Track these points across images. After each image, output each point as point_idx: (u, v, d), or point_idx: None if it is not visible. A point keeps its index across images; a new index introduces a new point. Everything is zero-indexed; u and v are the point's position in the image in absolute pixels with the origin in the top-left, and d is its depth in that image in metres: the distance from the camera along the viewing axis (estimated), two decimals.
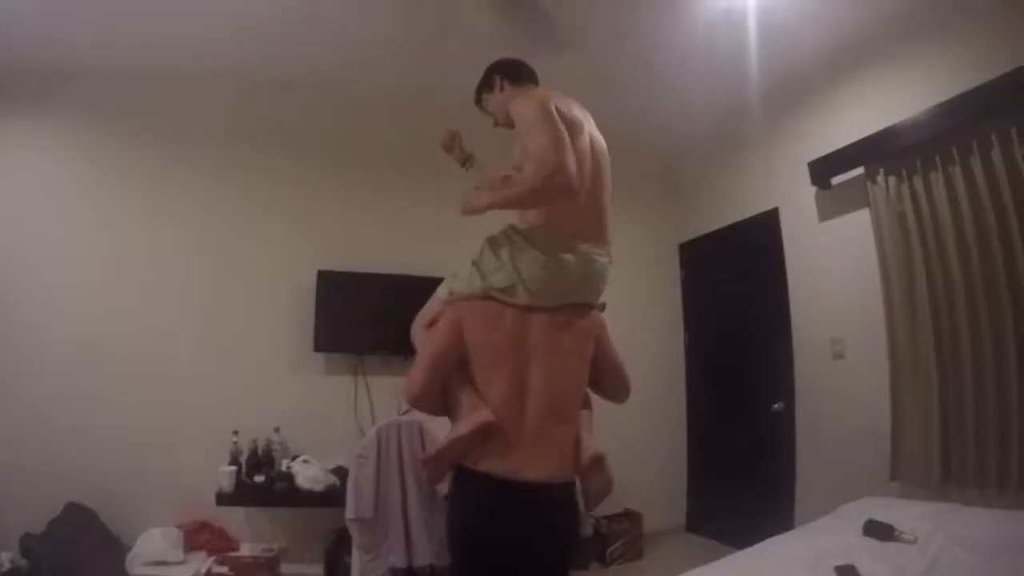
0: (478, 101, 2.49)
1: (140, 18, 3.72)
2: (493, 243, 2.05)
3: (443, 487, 3.22)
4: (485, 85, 2.43)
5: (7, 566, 3.43)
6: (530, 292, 1.95)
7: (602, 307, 2.24)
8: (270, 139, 4.59)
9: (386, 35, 3.95)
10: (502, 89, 2.35)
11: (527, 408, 1.90)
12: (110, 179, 4.21)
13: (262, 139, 4.57)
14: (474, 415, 1.83)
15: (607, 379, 2.18)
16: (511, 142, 2.16)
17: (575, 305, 2.06)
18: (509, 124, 2.20)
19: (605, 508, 4.77)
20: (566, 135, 1.87)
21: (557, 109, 1.94)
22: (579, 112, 2.10)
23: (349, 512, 3.28)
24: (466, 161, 2.69)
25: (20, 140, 4.06)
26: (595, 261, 2.06)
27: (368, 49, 4.12)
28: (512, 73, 2.38)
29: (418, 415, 2.68)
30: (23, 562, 3.46)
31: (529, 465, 1.84)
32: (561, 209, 1.95)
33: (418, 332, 2.16)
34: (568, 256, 1.98)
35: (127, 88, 4.26)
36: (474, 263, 2.04)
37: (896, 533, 2.49)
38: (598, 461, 1.97)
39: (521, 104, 2.01)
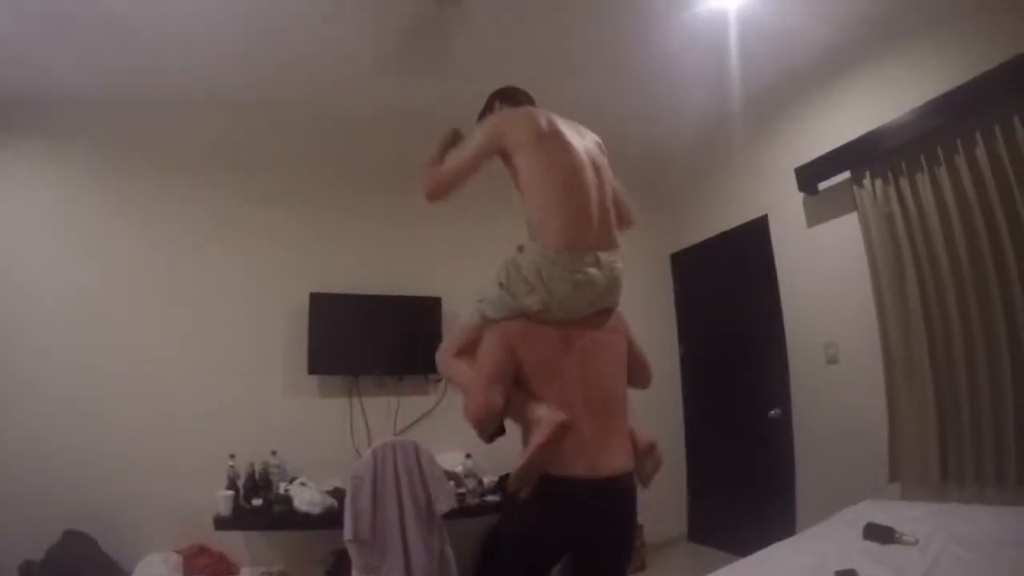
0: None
1: (126, 47, 3.73)
2: (518, 267, 2.05)
3: (446, 502, 3.19)
4: (488, 108, 2.49)
5: None
6: (564, 311, 2.02)
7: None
8: (259, 162, 4.60)
9: (374, 54, 3.96)
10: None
11: (588, 410, 1.97)
12: (103, 206, 4.21)
13: (251, 162, 4.58)
14: (549, 417, 1.85)
15: (636, 369, 2.31)
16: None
17: (603, 309, 2.17)
18: None
19: None
20: (474, 164, 2.19)
21: (536, 122, 2.11)
22: (566, 127, 2.19)
23: (347, 533, 3.25)
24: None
25: (15, 169, 4.06)
26: (615, 269, 2.16)
27: (356, 69, 4.13)
28: (511, 97, 2.46)
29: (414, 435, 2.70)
30: None
31: (604, 462, 1.93)
32: (580, 227, 2.04)
33: (448, 361, 2.21)
34: (594, 270, 2.04)
35: (118, 116, 4.27)
36: (501, 285, 2.06)
37: (896, 535, 2.49)
38: (652, 447, 2.16)
39: (489, 119, 2.26)
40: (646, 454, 2.13)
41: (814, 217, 4.22)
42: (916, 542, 2.43)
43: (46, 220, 4.08)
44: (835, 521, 2.94)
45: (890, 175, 3.56)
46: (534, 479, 1.89)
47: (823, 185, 4.09)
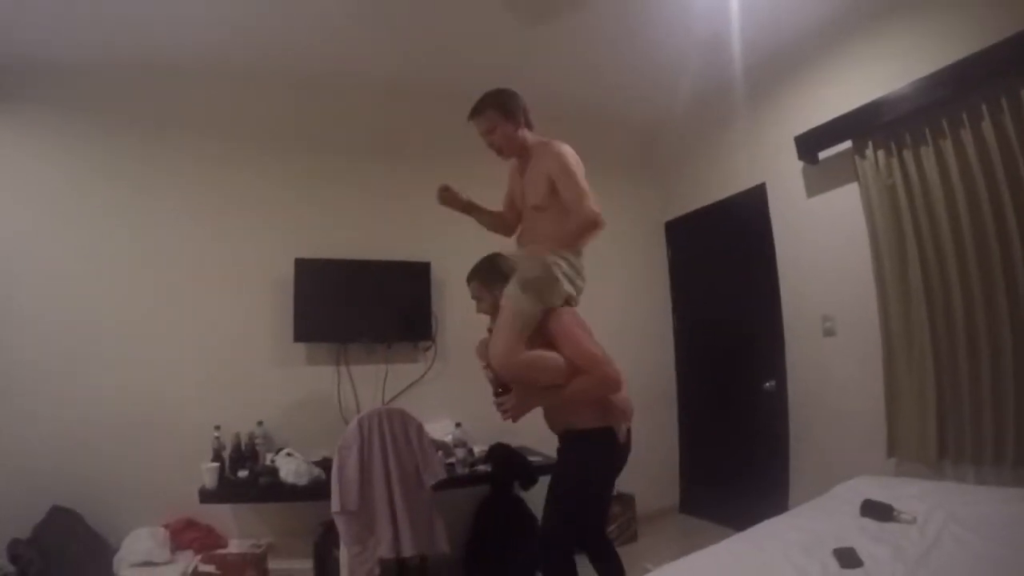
0: (478, 114, 2.84)
1: (110, 13, 3.57)
2: (558, 263, 2.67)
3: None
4: (507, 111, 2.82)
5: None
6: (580, 295, 2.86)
7: None
8: (243, 130, 4.45)
9: (360, 20, 3.82)
10: (524, 125, 2.87)
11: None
12: (84, 176, 4.05)
13: (234, 130, 4.43)
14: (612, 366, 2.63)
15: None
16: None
17: None
18: (511, 154, 2.93)
19: None
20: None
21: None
22: None
23: (334, 505, 3.19)
24: (467, 207, 3.13)
25: None
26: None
27: (341, 35, 3.99)
28: (528, 116, 2.90)
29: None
30: (11, 568, 3.38)
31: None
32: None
33: (524, 356, 2.58)
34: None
35: (100, 84, 4.11)
36: (544, 280, 2.63)
37: (895, 513, 2.45)
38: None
39: (565, 151, 2.71)
40: None
41: (814, 187, 4.13)
42: (914, 520, 2.40)
43: (28, 191, 3.94)
44: (831, 497, 2.91)
45: (893, 146, 3.46)
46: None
47: (823, 154, 3.99)
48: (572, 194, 2.62)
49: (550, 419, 2.80)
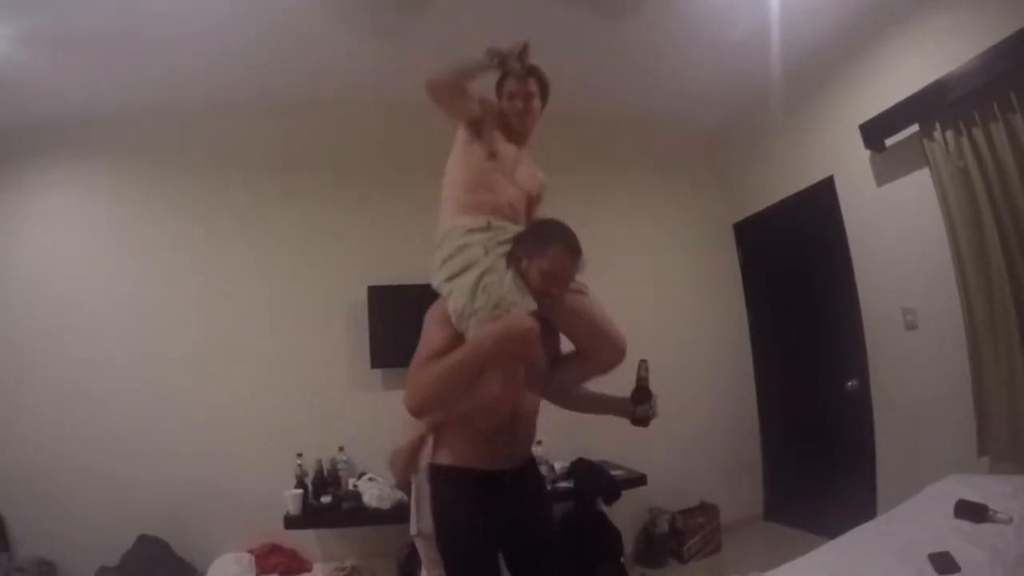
0: (544, 87, 2.46)
1: (156, 59, 3.80)
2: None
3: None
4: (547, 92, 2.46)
5: None
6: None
7: None
8: (304, 160, 4.62)
9: (421, 38, 3.88)
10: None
11: None
12: (155, 216, 4.34)
13: (296, 161, 4.60)
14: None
15: None
16: None
17: None
18: (527, 135, 2.47)
19: (680, 503, 4.71)
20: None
21: None
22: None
23: (412, 528, 3.22)
24: None
25: (52, 193, 4.24)
26: None
27: (401, 57, 4.07)
28: None
29: None
30: None
31: None
32: None
33: None
34: None
35: (159, 129, 4.39)
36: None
37: (990, 513, 2.33)
38: None
39: None
40: None
41: (883, 175, 3.98)
42: (1011, 520, 2.27)
43: (102, 236, 4.27)
44: (922, 499, 2.78)
45: (962, 125, 3.30)
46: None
47: (890, 141, 3.84)
48: None
49: (526, 435, 2.21)
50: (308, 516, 3.82)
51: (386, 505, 3.76)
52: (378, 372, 4.43)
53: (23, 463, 3.88)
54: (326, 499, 3.88)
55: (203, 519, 3.95)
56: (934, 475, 2.99)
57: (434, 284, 2.19)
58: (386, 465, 4.05)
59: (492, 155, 2.33)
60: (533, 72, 2.39)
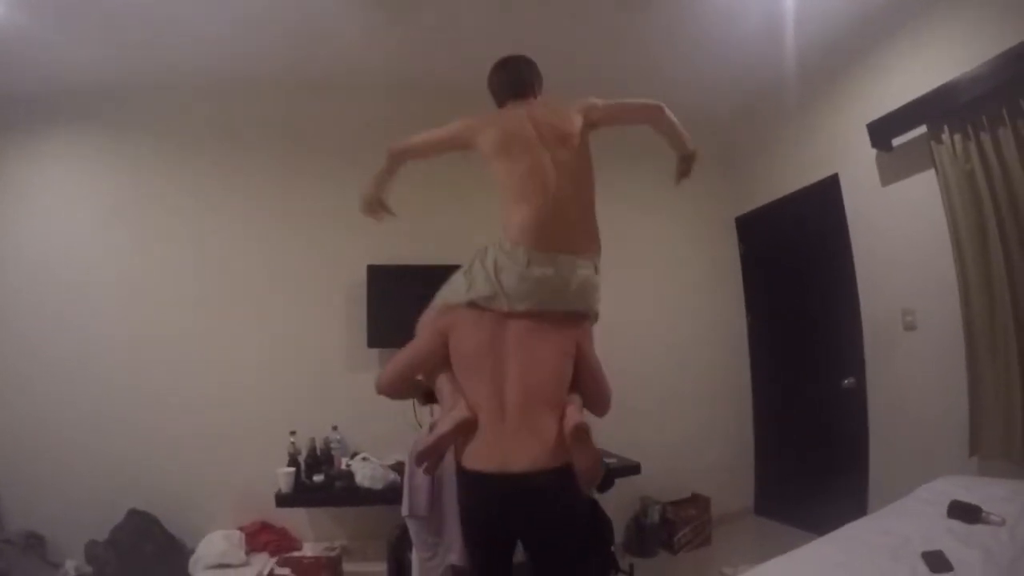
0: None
1: (158, 32, 3.75)
2: (482, 256, 2.29)
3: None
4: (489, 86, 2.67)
5: (73, 573, 3.52)
6: (510, 300, 2.13)
7: (595, 317, 2.32)
8: (310, 137, 4.59)
9: (438, 29, 3.90)
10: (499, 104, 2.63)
11: (506, 402, 2.02)
12: (158, 192, 4.32)
13: (302, 138, 4.57)
14: (453, 413, 2.02)
15: (585, 387, 2.18)
16: None
17: (564, 312, 2.17)
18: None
19: (671, 493, 4.73)
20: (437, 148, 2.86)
21: (495, 134, 2.39)
22: (534, 126, 2.34)
23: (404, 509, 3.23)
24: None
25: (64, 162, 4.23)
26: (577, 273, 2.18)
27: (409, 40, 4.06)
28: (499, 91, 2.68)
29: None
30: (88, 569, 3.55)
31: (514, 457, 1.95)
32: (537, 230, 2.18)
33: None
34: (547, 269, 2.13)
35: (161, 103, 4.36)
36: (464, 273, 2.32)
37: (984, 514, 2.34)
38: (579, 432, 1.97)
39: (459, 121, 2.62)
40: (575, 440, 1.96)
41: (889, 175, 3.98)
42: (1003, 522, 2.29)
43: (100, 208, 4.24)
44: (915, 498, 2.80)
45: (970, 129, 3.29)
46: (438, 461, 2.06)
47: (897, 141, 3.84)
48: None
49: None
50: (300, 494, 3.82)
51: (378, 485, 3.76)
52: (374, 352, 4.40)
53: (13, 437, 3.89)
54: (318, 478, 3.87)
55: (194, 495, 3.96)
56: (926, 476, 3.00)
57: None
58: (382, 445, 4.10)
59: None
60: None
